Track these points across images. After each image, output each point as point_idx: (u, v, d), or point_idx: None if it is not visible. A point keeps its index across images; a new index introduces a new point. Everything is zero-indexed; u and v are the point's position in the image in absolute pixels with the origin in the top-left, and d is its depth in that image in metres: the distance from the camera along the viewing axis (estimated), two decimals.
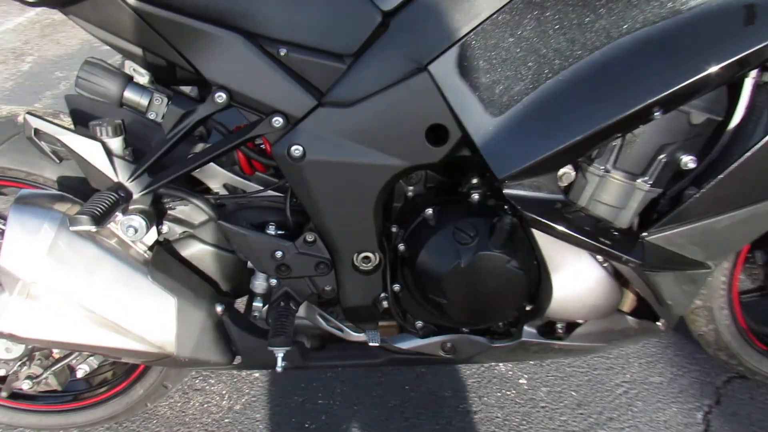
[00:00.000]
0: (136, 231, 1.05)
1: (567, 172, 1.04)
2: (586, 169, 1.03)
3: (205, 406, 1.58)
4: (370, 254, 1.14)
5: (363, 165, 1.04)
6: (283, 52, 1.01)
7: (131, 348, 1.08)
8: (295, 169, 1.04)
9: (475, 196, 1.07)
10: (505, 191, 1.00)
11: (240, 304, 1.29)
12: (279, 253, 1.12)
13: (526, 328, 1.16)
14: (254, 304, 1.20)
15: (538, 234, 1.03)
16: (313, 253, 1.14)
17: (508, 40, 0.94)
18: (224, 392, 1.61)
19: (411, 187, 1.16)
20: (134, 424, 1.52)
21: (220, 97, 1.03)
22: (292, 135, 1.03)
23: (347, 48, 1.01)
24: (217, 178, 1.18)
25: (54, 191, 1.11)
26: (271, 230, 1.13)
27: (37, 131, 1.01)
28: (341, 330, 1.21)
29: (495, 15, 0.94)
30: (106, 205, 0.96)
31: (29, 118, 1.01)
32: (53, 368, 1.27)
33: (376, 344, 1.19)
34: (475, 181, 1.09)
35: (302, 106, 1.03)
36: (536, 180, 1.01)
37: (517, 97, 0.97)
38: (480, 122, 0.98)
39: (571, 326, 1.19)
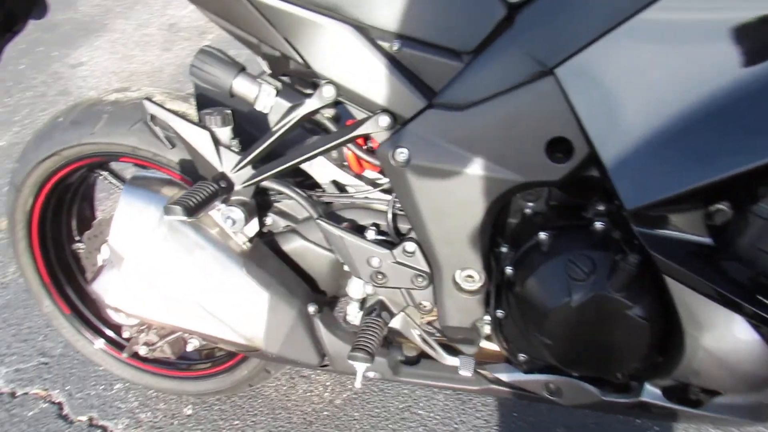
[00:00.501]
0: (234, 222, 1.04)
1: (721, 209, 0.84)
2: (748, 209, 0.82)
3: (308, 394, 1.58)
4: (473, 273, 1.03)
5: (472, 175, 0.93)
6: (395, 46, 0.93)
7: (222, 336, 1.09)
8: (399, 173, 0.96)
9: (598, 225, 0.91)
10: (635, 226, 0.83)
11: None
12: (375, 260, 1.05)
13: (648, 386, 0.97)
14: (349, 308, 1.15)
15: (672, 282, 0.84)
16: (412, 264, 1.05)
17: (654, 43, 0.77)
18: (328, 384, 1.60)
19: (530, 204, 1.02)
20: (241, 401, 1.57)
21: (328, 91, 0.98)
22: (399, 136, 0.95)
23: (466, 44, 0.90)
24: (325, 173, 1.14)
25: (165, 175, 1.14)
26: (371, 235, 1.07)
27: (153, 117, 1.03)
28: (435, 350, 1.11)
29: (639, 14, 0.76)
30: (202, 197, 0.95)
31: (146, 104, 1.03)
32: (167, 338, 1.34)
33: (468, 374, 1.08)
34: (600, 207, 0.92)
35: (411, 105, 0.94)
36: (677, 216, 0.83)
37: (663, 112, 0.79)
38: (612, 139, 0.82)
39: (709, 390, 0.98)
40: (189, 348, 1.37)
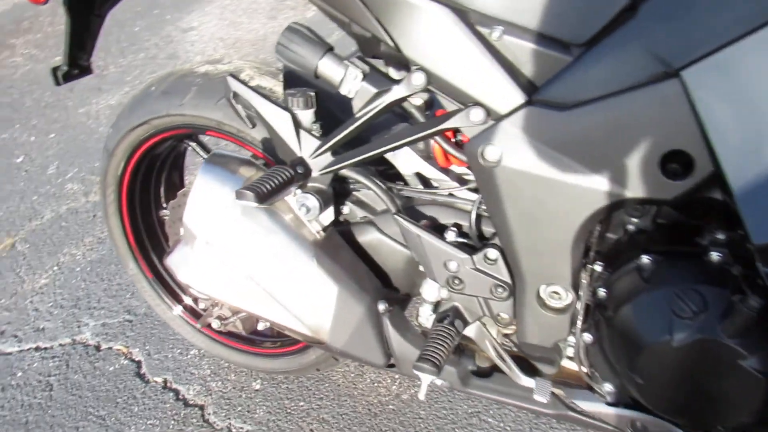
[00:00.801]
0: (308, 210, 0.99)
1: None
2: None
3: (375, 385, 1.54)
4: (560, 290, 0.93)
5: (571, 185, 0.83)
6: (496, 33, 0.84)
7: (287, 324, 1.06)
8: (488, 173, 0.88)
9: (714, 256, 0.78)
10: (762, 265, 0.70)
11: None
12: (453, 264, 0.98)
13: None
14: (421, 309, 1.09)
15: None
16: (493, 273, 0.97)
17: None
18: (397, 377, 1.56)
19: (634, 220, 0.90)
20: (308, 382, 1.56)
21: (418, 78, 0.90)
22: (491, 133, 0.86)
23: (578, 35, 0.79)
24: (409, 164, 1.07)
25: (244, 156, 1.11)
26: (451, 236, 0.99)
27: (235, 94, 1.00)
28: (509, 367, 1.03)
29: None
30: (276, 183, 0.91)
31: (230, 80, 1.00)
32: (239, 315, 1.33)
33: (543, 400, 0.98)
34: (719, 234, 0.79)
35: (508, 100, 0.85)
36: None
37: None
38: (744, 159, 0.69)
39: None
40: (260, 326, 1.36)
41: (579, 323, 0.95)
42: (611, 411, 0.97)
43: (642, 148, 0.76)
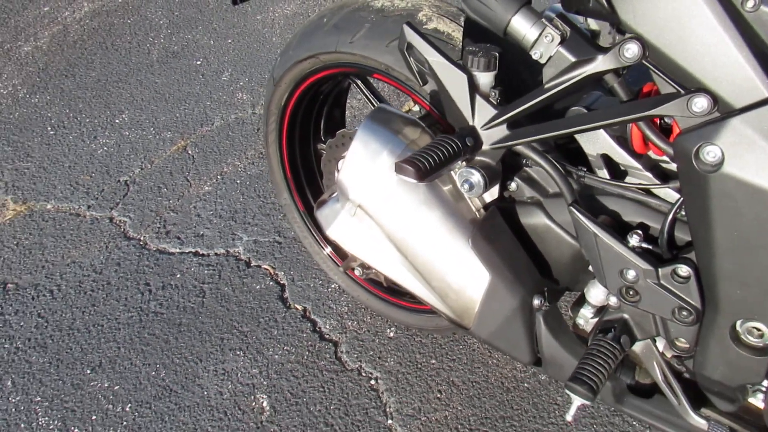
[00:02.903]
0: (471, 187, 0.89)
1: None
2: None
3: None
4: (764, 327, 0.76)
5: None
6: (751, 2, 0.66)
7: (429, 302, 0.99)
8: (700, 177, 0.72)
9: None
10: None
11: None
12: (631, 274, 0.83)
13: None
14: (582, 310, 0.96)
15: None
16: (680, 293, 0.81)
17: None
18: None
19: None
20: (443, 341, 1.51)
21: (631, 50, 0.74)
22: (714, 129, 0.69)
23: None
24: (595, 143, 0.91)
25: (409, 116, 1.01)
26: (634, 240, 0.84)
27: (409, 45, 0.89)
28: (677, 397, 0.88)
29: None
30: (440, 157, 0.81)
31: (406, 29, 0.88)
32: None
33: None
34: None
35: (748, 91, 0.67)
36: None
37: None
38: None
39: None
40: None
41: None
42: None
43: None
